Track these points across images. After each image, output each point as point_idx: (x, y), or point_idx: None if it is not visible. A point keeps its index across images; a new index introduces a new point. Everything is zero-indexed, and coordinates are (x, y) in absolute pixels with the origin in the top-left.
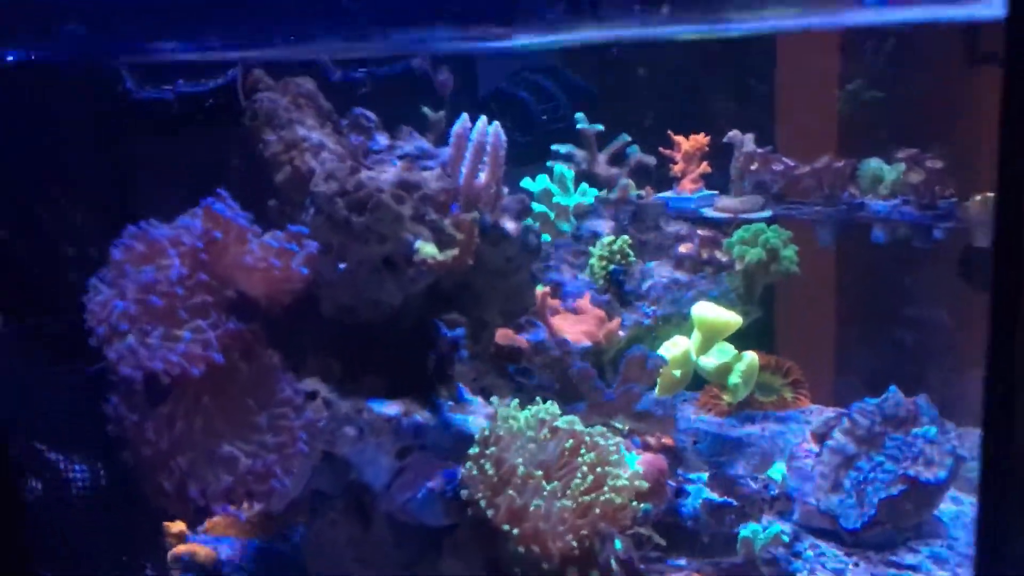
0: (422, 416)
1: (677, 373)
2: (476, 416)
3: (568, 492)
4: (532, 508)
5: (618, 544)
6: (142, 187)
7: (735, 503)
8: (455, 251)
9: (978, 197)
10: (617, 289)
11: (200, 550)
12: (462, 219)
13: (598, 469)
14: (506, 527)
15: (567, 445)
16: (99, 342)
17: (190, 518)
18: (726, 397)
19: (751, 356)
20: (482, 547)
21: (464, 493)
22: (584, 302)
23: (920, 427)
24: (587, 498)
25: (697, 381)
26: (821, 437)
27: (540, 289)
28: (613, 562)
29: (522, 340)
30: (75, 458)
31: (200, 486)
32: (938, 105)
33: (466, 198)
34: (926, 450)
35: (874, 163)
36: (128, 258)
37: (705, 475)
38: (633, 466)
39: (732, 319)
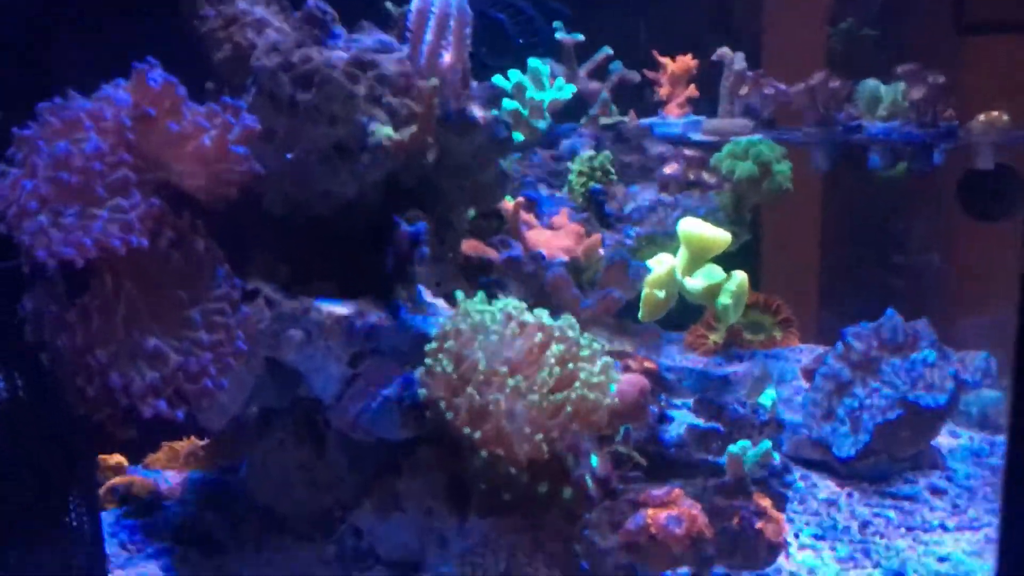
0: (377, 317)
1: (661, 294)
2: (438, 319)
3: (535, 389)
4: (494, 407)
5: (594, 460)
6: (68, 79)
7: (722, 429)
8: (413, 128)
9: (981, 117)
10: (597, 210)
11: (138, 481)
12: (420, 87)
13: (569, 365)
14: (467, 430)
15: (536, 340)
16: (8, 228)
17: (118, 425)
18: (712, 337)
19: (741, 276)
20: (444, 464)
21: (421, 394)
22: (561, 218)
23: (919, 352)
24: (557, 396)
25: (683, 319)
26: (811, 374)
27: (512, 201)
28: (589, 479)
29: (492, 251)
30: None
31: (123, 382)
32: (927, 59)
33: None
34: (926, 374)
35: (871, 83)
36: (41, 134)
37: (690, 402)
38: (611, 388)
39: (721, 236)
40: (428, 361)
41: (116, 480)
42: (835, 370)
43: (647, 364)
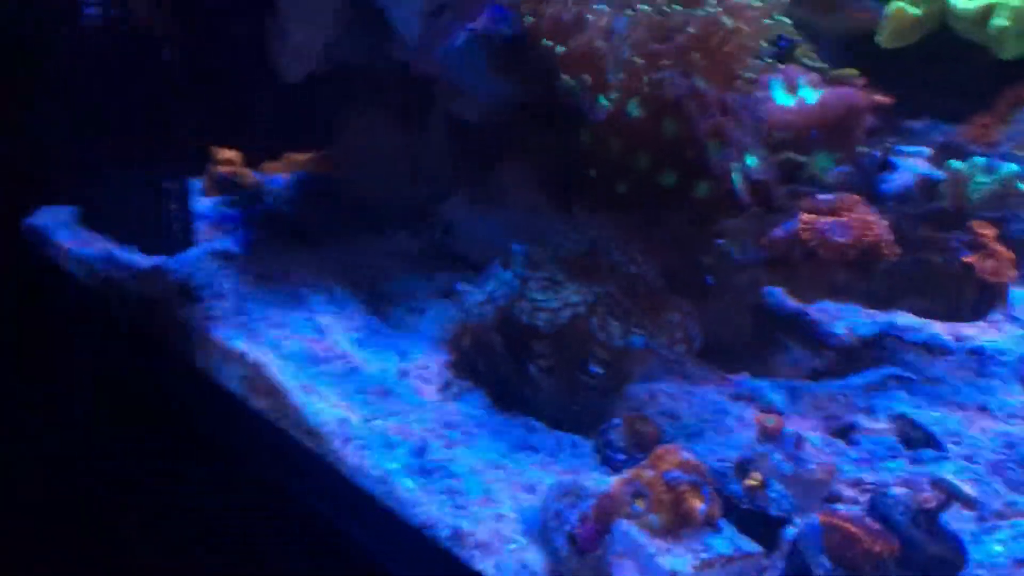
0: None
1: (915, 10)
2: None
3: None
4: (591, 16)
5: (752, 159)
6: None
7: None
8: None
9: None
10: None
11: (245, 173)
12: None
13: None
14: (546, 42)
15: None
16: None
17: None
18: None
19: None
20: (552, 148)
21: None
22: None
23: None
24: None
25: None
26: None
27: None
28: (738, 177)
29: None
30: None
31: None
32: None
33: None
34: None
35: None
36: None
37: (926, 149)
38: (810, 99)
39: None
40: None
41: (223, 168)
42: None
43: (877, 96)
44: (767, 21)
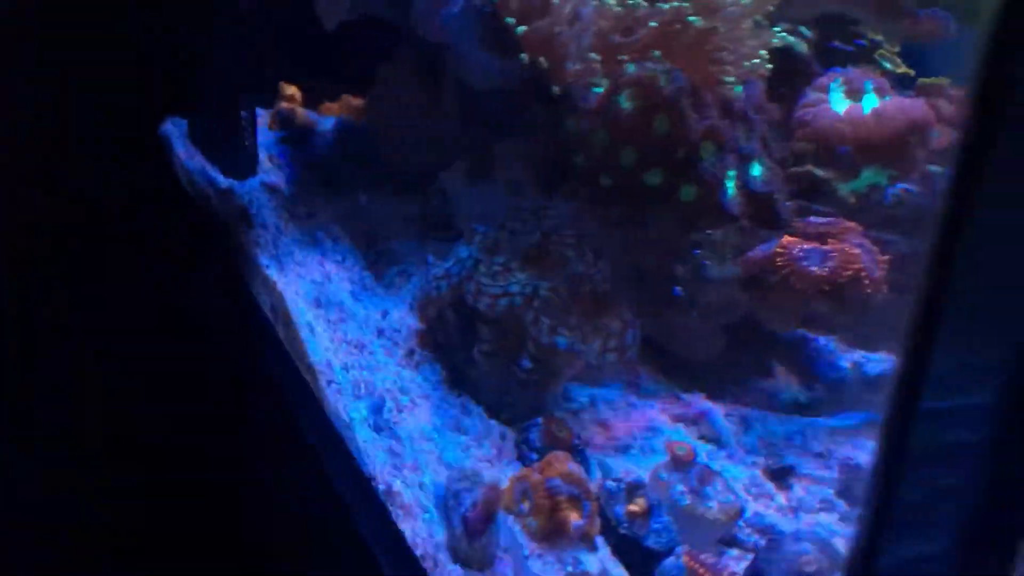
0: None
1: None
2: None
3: None
4: (558, 3)
5: (757, 168)
6: None
7: None
8: None
9: None
10: None
11: (300, 112)
12: None
13: None
14: (510, 20)
15: None
16: None
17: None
18: None
19: None
20: (544, 123)
21: None
22: None
23: None
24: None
25: None
26: None
27: None
28: (731, 185)
29: None
30: None
31: None
32: None
33: None
34: None
35: None
36: None
37: None
38: (868, 108)
39: None
40: None
41: (284, 105)
42: None
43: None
44: (758, 27)
